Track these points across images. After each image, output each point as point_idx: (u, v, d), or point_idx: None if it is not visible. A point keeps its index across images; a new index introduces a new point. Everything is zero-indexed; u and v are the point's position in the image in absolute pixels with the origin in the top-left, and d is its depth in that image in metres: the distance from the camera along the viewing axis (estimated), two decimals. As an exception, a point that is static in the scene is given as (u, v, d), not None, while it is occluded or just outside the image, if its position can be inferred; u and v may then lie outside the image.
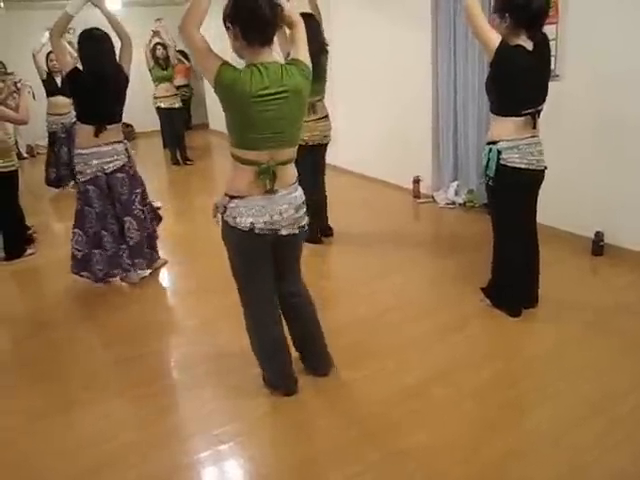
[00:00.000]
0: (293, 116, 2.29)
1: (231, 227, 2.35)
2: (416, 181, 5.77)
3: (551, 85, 4.07)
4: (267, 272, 2.51)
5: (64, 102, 6.87)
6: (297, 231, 2.44)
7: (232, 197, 2.33)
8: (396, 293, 3.71)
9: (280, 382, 2.67)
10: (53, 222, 6.15)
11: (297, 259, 2.65)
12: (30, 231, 5.13)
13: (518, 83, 2.92)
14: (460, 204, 5.41)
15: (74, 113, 7.07)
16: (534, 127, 2.98)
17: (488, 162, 3.03)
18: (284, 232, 2.39)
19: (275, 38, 2.28)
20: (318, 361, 2.78)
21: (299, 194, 2.43)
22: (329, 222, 4.75)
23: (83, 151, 3.71)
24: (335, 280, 3.75)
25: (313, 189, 4.03)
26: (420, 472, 2.16)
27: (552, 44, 4.01)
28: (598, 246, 4.01)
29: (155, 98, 8.10)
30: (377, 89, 6.12)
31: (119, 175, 3.76)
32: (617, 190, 3.91)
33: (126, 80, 3.76)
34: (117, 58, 3.73)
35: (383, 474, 2.16)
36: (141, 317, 3.61)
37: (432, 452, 2.25)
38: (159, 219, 4.28)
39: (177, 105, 8.23)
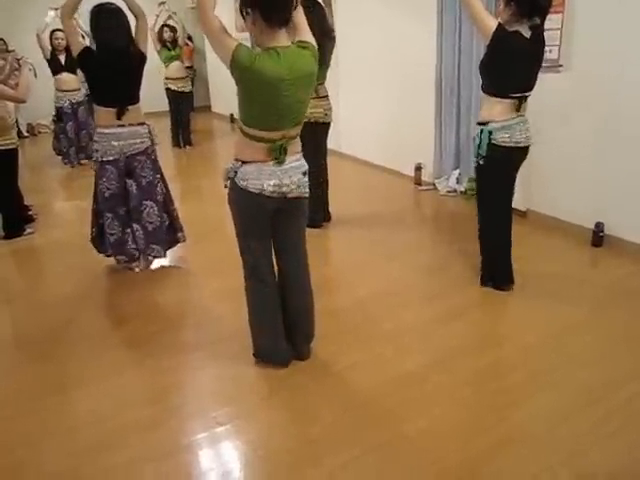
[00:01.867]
0: (305, 98, 2.37)
1: (240, 189, 2.40)
2: (418, 168, 5.75)
3: (554, 75, 4.10)
4: (267, 236, 2.59)
5: (71, 79, 7.02)
6: (304, 194, 2.51)
7: (243, 162, 2.39)
8: (396, 278, 3.72)
9: (272, 350, 2.73)
10: (53, 201, 6.13)
11: (302, 231, 2.67)
12: (30, 211, 5.13)
13: (512, 66, 3.03)
14: (461, 192, 5.40)
15: (83, 92, 7.23)
16: (518, 109, 3.10)
17: (480, 142, 3.16)
18: (292, 195, 2.45)
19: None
20: (301, 344, 2.80)
21: (304, 161, 2.51)
22: (329, 207, 4.74)
23: (105, 130, 3.56)
24: (334, 264, 3.75)
25: (314, 170, 4.04)
26: (417, 457, 2.17)
27: (557, 33, 4.08)
28: (598, 237, 4.01)
29: (166, 79, 8.00)
30: (380, 76, 6.08)
31: (140, 158, 3.66)
32: (618, 181, 3.90)
33: (142, 56, 3.61)
34: (132, 34, 3.59)
35: (381, 459, 2.17)
36: (143, 298, 3.61)
37: (429, 438, 2.26)
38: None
39: (187, 89, 8.17)
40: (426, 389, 2.58)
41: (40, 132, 9.96)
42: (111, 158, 3.59)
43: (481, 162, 3.20)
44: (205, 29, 2.25)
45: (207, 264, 4.08)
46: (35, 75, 4.82)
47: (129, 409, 2.53)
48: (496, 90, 3.10)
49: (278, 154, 2.35)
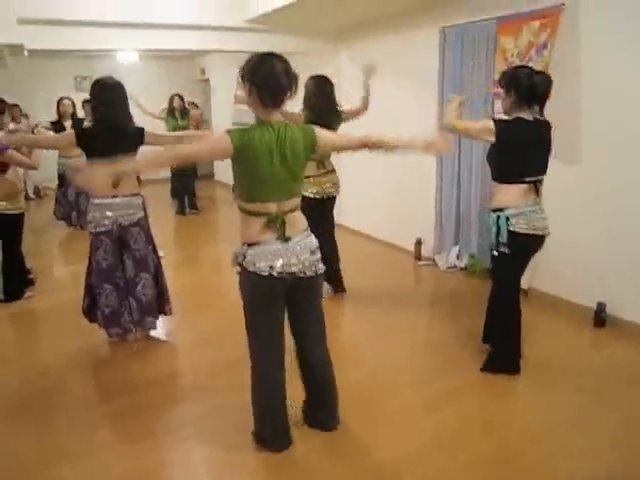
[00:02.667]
0: (297, 172, 2.40)
1: (249, 273, 2.39)
2: (418, 243, 5.80)
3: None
4: (279, 322, 2.53)
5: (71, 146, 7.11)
6: (315, 274, 2.48)
7: (249, 245, 2.40)
8: (393, 356, 3.66)
9: (273, 437, 2.64)
10: (54, 265, 6.15)
11: (318, 307, 2.63)
12: (30, 274, 5.13)
13: (519, 152, 3.09)
14: (461, 268, 5.42)
15: (83, 158, 7.45)
16: (537, 194, 3.13)
17: (499, 229, 3.12)
18: (302, 275, 2.43)
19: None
20: (326, 418, 2.76)
21: (313, 239, 2.51)
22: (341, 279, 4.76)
23: (98, 201, 3.57)
24: (330, 340, 3.69)
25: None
26: None
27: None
28: (600, 317, 3.99)
29: None
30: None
31: (133, 229, 3.64)
32: (621, 261, 3.92)
33: (139, 132, 3.66)
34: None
35: None
36: (137, 370, 3.54)
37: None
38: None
39: None
40: (426, 473, 2.50)
41: (46, 194, 10.09)
42: (104, 229, 3.58)
43: (502, 249, 3.14)
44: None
45: (200, 336, 4.02)
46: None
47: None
48: (508, 177, 3.12)
49: (278, 228, 2.36)
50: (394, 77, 5.88)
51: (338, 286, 4.74)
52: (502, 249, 3.15)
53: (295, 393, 2.73)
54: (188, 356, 3.80)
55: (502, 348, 3.35)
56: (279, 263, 2.35)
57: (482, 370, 3.36)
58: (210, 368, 3.51)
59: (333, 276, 4.63)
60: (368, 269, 5.58)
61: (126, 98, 3.65)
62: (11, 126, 5.11)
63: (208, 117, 11.16)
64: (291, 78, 2.32)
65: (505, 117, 3.17)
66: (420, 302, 4.73)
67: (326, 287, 4.31)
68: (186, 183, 8.48)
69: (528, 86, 3.03)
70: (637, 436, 2.78)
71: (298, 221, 2.47)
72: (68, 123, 7.20)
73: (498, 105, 4.68)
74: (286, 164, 2.32)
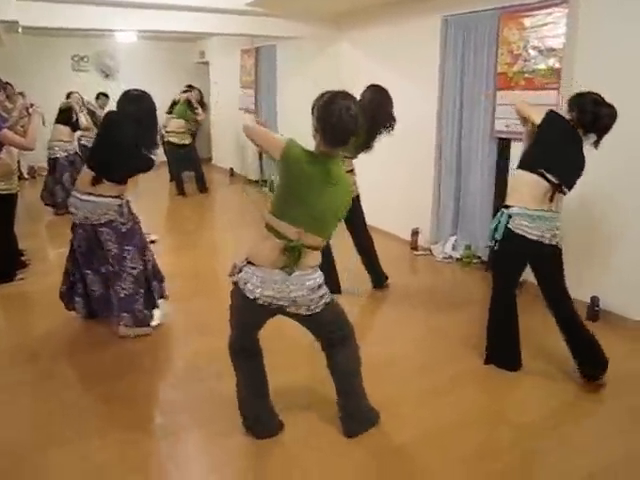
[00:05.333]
0: (331, 206, 2.36)
1: (239, 288, 2.40)
2: (415, 233, 5.78)
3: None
4: (254, 332, 2.61)
5: (66, 131, 7.15)
6: (306, 312, 2.43)
7: (250, 262, 2.38)
8: (388, 348, 3.66)
9: (249, 424, 2.66)
10: (46, 247, 6.10)
11: (328, 330, 2.59)
12: (23, 256, 5.09)
13: (551, 143, 3.05)
14: (457, 259, 5.41)
15: (75, 144, 7.44)
16: (551, 200, 3.00)
17: (497, 225, 3.09)
18: (289, 310, 2.43)
19: None
20: (342, 421, 2.71)
21: (317, 276, 2.42)
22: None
23: (76, 194, 3.58)
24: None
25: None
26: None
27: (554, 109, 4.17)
28: (593, 311, 4.00)
29: (166, 132, 8.37)
30: (381, 140, 6.19)
31: (104, 229, 3.56)
32: (614, 256, 3.92)
33: (142, 157, 3.59)
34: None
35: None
36: (129, 355, 3.52)
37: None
38: (161, 280, 3.98)
39: (187, 141, 8.59)
40: (418, 464, 2.51)
41: (40, 175, 10.00)
42: (76, 221, 3.63)
43: (495, 247, 3.14)
44: (254, 140, 2.44)
45: (195, 320, 4.01)
46: (43, 123, 4.88)
47: (106, 476, 2.43)
48: (530, 165, 3.05)
49: (290, 255, 2.29)
50: (395, 64, 5.83)
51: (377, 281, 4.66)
52: (495, 246, 3.14)
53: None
54: (182, 341, 3.79)
55: (499, 344, 3.34)
56: (267, 293, 2.34)
57: (485, 363, 3.36)
58: (204, 353, 3.49)
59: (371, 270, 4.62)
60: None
61: (142, 115, 3.54)
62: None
63: (207, 101, 11.07)
64: (357, 124, 2.27)
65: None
66: (414, 293, 4.70)
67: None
68: (179, 167, 8.61)
69: (590, 113, 2.94)
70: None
71: (312, 258, 2.40)
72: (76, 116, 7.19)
73: (500, 99, 4.66)
74: (321, 194, 2.30)
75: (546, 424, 2.86)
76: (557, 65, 4.14)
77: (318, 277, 2.43)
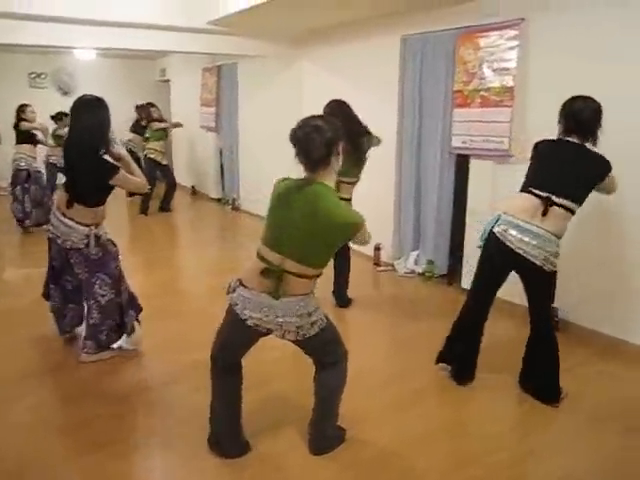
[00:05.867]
0: (312, 236, 2.28)
1: (232, 307, 2.43)
2: (377, 248, 5.84)
3: (508, 167, 4.33)
4: (241, 351, 2.59)
5: (30, 148, 7.21)
6: (296, 338, 2.43)
7: (242, 284, 2.39)
8: (353, 362, 3.61)
9: (214, 440, 2.64)
10: (6, 267, 5.93)
11: (318, 352, 2.59)
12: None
13: (534, 164, 3.09)
14: (419, 273, 5.49)
15: (40, 160, 7.44)
16: (544, 214, 2.91)
17: (484, 229, 3.12)
18: (277, 334, 2.43)
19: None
20: (310, 438, 2.69)
21: (306, 304, 2.38)
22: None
23: (56, 212, 3.48)
24: (286, 347, 3.71)
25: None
26: None
27: (507, 126, 4.31)
28: (553, 321, 4.08)
29: (148, 149, 8.55)
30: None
31: (73, 254, 3.45)
32: (572, 267, 4.03)
33: (103, 162, 3.34)
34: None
35: None
36: (94, 378, 3.42)
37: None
38: (138, 309, 3.81)
39: (165, 162, 8.73)
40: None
41: (1, 195, 9.72)
42: (51, 236, 3.53)
43: (478, 246, 3.18)
44: None
45: (165, 340, 3.94)
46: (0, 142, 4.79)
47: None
48: (522, 187, 3.07)
49: (272, 280, 2.29)
50: (356, 82, 5.93)
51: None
52: (478, 246, 3.17)
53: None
54: (152, 361, 3.69)
55: (448, 338, 3.38)
56: (256, 315, 2.35)
57: (436, 363, 3.42)
58: (175, 372, 3.44)
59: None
60: (328, 273, 5.56)
61: (98, 122, 3.33)
62: None
63: (168, 119, 10.99)
64: (326, 139, 2.26)
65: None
66: (378, 307, 4.75)
67: None
68: (153, 185, 8.53)
69: (567, 114, 2.99)
70: (604, 433, 2.86)
71: (299, 287, 2.34)
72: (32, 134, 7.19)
73: (457, 116, 4.79)
74: (291, 216, 2.28)
75: (511, 434, 2.91)
76: (510, 83, 4.28)
77: (308, 305, 2.39)
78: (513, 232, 2.95)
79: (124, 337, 3.72)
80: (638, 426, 2.95)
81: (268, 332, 2.43)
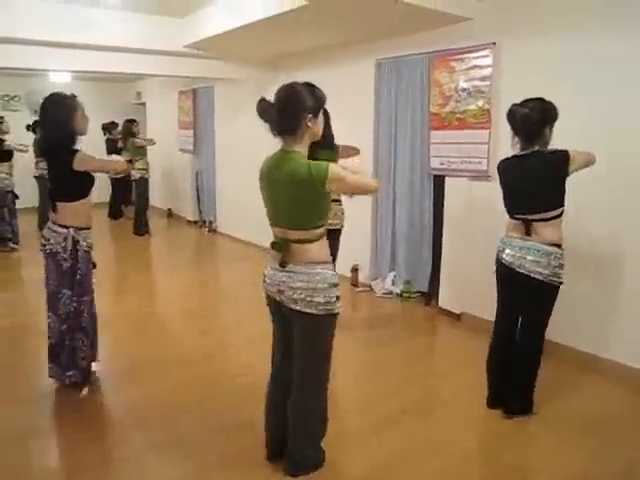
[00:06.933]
0: (290, 197, 2.35)
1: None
2: (354, 269, 5.84)
3: (485, 183, 4.38)
4: (277, 329, 2.63)
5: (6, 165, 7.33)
6: (301, 309, 2.38)
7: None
8: (330, 383, 3.62)
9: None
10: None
11: (305, 350, 2.50)
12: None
13: (505, 189, 3.10)
14: (397, 294, 5.50)
15: (12, 180, 7.43)
16: (528, 233, 2.97)
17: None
18: (279, 299, 2.44)
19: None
20: (288, 455, 2.62)
21: (319, 276, 2.38)
22: None
23: (50, 223, 3.39)
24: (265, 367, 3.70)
25: None
26: None
27: (485, 147, 4.38)
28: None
29: (138, 170, 8.46)
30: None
31: (49, 260, 3.32)
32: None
33: (66, 160, 3.23)
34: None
35: None
36: (60, 407, 3.33)
37: None
38: (78, 331, 3.41)
39: (147, 176, 8.70)
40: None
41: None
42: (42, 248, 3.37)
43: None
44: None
45: (132, 366, 3.87)
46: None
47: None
48: (507, 211, 3.12)
49: (279, 247, 2.41)
50: (331, 106, 5.95)
51: None
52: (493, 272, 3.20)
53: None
54: (114, 388, 3.61)
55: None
56: (267, 280, 2.49)
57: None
58: (140, 400, 3.36)
59: None
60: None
61: (65, 113, 3.25)
62: None
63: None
64: (298, 113, 2.32)
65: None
66: (356, 328, 4.74)
67: None
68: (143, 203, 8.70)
69: (507, 117, 3.01)
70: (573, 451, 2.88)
71: (307, 253, 2.38)
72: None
73: (434, 138, 4.86)
74: (274, 188, 2.39)
75: (492, 449, 2.91)
76: (487, 106, 4.36)
77: (323, 277, 2.38)
78: (509, 251, 3.03)
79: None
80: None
81: (278, 304, 2.48)
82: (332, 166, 2.30)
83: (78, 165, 3.23)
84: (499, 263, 3.12)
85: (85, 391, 3.42)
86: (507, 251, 3.04)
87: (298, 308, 2.38)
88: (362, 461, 2.77)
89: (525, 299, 3.08)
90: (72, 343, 3.39)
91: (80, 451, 2.84)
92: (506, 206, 3.10)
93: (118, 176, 8.61)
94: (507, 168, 3.09)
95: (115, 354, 4.02)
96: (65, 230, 3.29)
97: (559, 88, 3.88)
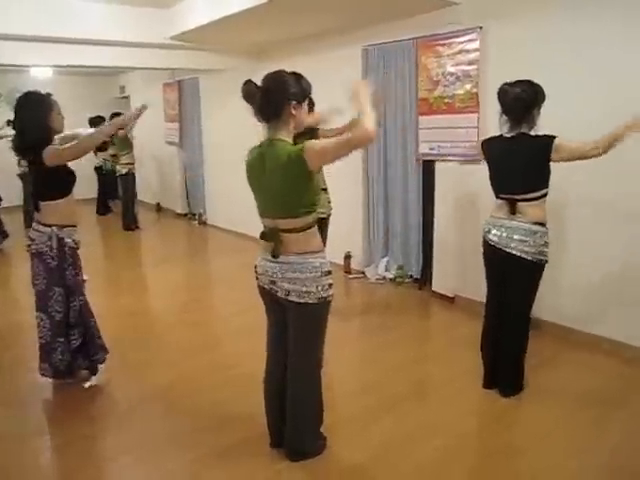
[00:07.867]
0: (280, 186, 2.34)
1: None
2: (347, 257, 5.86)
3: (474, 168, 4.40)
4: (271, 321, 2.64)
5: None
6: (294, 299, 2.40)
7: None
8: (328, 370, 3.65)
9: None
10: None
11: (299, 340, 2.52)
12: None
13: (491, 168, 3.14)
14: (390, 279, 5.53)
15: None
16: (513, 212, 3.02)
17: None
18: (278, 293, 2.44)
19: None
20: (287, 441, 2.65)
21: (312, 266, 2.39)
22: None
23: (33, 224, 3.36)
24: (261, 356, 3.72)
25: None
26: None
27: (475, 131, 4.40)
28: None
29: (124, 165, 8.48)
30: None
31: (35, 260, 3.27)
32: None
33: (40, 156, 3.13)
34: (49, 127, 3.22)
35: None
36: (60, 403, 3.33)
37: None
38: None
39: (134, 171, 8.66)
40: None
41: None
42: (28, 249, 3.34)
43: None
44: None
45: (122, 362, 3.86)
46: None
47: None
48: (493, 190, 3.16)
49: (268, 241, 2.41)
50: (318, 95, 5.93)
51: None
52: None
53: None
54: (114, 383, 3.59)
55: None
56: (260, 271, 2.51)
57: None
58: (127, 403, 3.32)
59: None
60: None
61: (41, 111, 3.23)
62: None
63: (130, 135, 10.85)
64: (269, 96, 2.36)
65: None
66: (350, 315, 4.77)
67: None
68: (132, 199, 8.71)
69: (497, 97, 3.04)
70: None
71: (298, 243, 2.38)
72: None
73: (423, 123, 4.87)
74: (263, 178, 2.38)
75: (489, 428, 2.96)
76: (475, 89, 4.37)
77: (315, 264, 2.40)
78: (495, 231, 3.08)
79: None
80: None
81: (271, 295, 2.49)
82: (307, 142, 2.29)
83: (49, 161, 3.14)
84: (486, 244, 3.18)
85: (93, 381, 3.47)
86: (493, 231, 3.10)
87: (291, 299, 2.40)
88: (361, 445, 2.80)
89: (512, 278, 3.12)
90: (86, 337, 3.45)
91: (77, 448, 2.84)
92: (493, 186, 3.16)
93: (120, 132, 7.93)
94: (492, 148, 3.14)
95: (109, 349, 3.99)
96: (49, 229, 3.25)
97: (546, 71, 3.90)
